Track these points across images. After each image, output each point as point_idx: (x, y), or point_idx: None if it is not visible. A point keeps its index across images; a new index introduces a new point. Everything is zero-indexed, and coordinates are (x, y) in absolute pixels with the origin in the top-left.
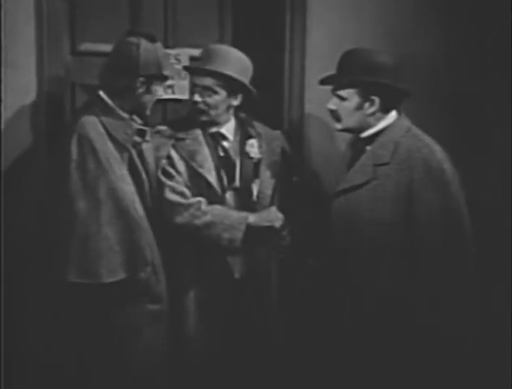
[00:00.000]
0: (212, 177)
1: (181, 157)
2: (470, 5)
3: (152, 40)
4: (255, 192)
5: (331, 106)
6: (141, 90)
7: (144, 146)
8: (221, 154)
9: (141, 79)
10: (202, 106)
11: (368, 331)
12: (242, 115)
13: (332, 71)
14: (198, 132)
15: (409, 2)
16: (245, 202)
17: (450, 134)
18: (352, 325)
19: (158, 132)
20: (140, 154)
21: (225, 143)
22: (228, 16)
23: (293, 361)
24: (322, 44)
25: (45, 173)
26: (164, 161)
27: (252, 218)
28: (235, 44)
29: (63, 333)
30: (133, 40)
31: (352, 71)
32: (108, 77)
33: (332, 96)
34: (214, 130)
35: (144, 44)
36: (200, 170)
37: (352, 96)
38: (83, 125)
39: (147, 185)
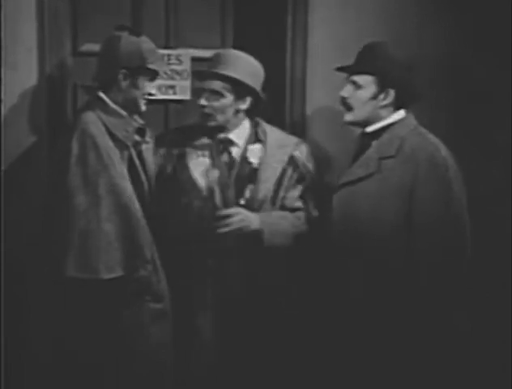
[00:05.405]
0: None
1: None
2: (475, 4)
3: (136, 33)
4: (243, 197)
5: (344, 93)
6: (124, 83)
7: (144, 147)
8: (226, 160)
9: (123, 70)
10: (208, 110)
11: (367, 327)
12: (257, 119)
13: (333, 72)
14: (207, 142)
15: (412, 1)
16: (230, 203)
17: (453, 133)
18: (351, 322)
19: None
20: (140, 154)
21: (233, 149)
22: (230, 16)
23: (297, 360)
24: (324, 44)
25: (45, 173)
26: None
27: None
28: (236, 45)
29: (64, 332)
30: (116, 33)
31: (374, 62)
32: (96, 72)
33: (346, 84)
34: (222, 136)
35: (126, 36)
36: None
37: (368, 84)
38: (86, 122)
39: (146, 185)
